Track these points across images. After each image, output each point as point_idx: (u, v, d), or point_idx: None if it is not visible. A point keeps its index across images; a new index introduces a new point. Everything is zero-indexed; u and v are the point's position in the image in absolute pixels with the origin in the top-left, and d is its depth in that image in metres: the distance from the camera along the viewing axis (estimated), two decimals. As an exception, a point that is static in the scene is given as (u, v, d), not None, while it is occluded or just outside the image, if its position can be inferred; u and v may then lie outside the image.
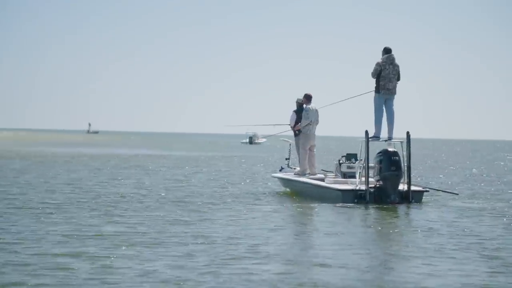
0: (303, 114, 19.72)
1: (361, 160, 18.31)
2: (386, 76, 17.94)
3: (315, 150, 20.08)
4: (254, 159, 46.86)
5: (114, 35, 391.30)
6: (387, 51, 18.15)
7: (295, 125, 20.17)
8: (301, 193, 19.22)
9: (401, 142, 17.92)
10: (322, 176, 19.85)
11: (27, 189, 19.84)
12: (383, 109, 18.10)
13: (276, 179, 21.81)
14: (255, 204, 17.28)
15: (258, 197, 19.17)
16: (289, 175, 20.37)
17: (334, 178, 18.95)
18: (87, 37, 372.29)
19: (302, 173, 19.82)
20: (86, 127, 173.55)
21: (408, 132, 17.91)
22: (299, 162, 20.27)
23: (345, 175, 18.93)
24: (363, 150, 17.80)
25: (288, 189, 20.58)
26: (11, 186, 20.47)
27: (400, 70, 18.16)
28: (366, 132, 17.71)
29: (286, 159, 21.61)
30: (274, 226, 13.50)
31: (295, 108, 20.41)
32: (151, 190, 20.47)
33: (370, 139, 17.67)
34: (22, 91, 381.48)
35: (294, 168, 20.98)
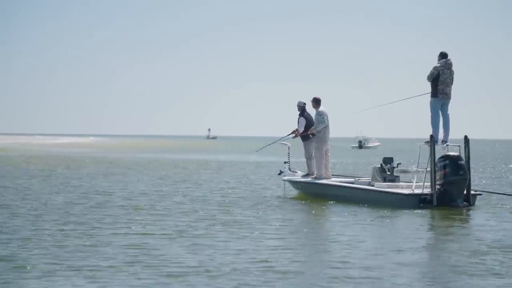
0: (316, 118, 19.80)
1: (398, 164, 19.01)
2: (444, 80, 18.13)
3: (329, 153, 20.16)
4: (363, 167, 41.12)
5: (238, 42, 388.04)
6: (443, 55, 18.33)
7: (305, 129, 20.20)
8: (339, 198, 18.84)
9: (459, 146, 18.00)
10: (344, 179, 19.96)
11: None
12: (439, 114, 18.29)
13: (288, 182, 21.04)
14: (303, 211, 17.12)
15: (290, 204, 18.61)
16: (304, 179, 20.18)
17: (383, 182, 18.79)
18: (200, 48, 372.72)
19: (319, 177, 19.85)
20: (204, 133, 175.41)
21: (466, 136, 18.04)
22: (307, 166, 20.34)
23: (385, 179, 18.84)
24: (422, 153, 17.97)
25: (301, 192, 20.27)
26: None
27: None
28: (431, 136, 17.85)
29: (285, 162, 21.41)
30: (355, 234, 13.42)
31: (295, 112, 20.55)
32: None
33: (426, 143, 17.81)
34: (147, 99, 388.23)
35: (295, 172, 20.95)
